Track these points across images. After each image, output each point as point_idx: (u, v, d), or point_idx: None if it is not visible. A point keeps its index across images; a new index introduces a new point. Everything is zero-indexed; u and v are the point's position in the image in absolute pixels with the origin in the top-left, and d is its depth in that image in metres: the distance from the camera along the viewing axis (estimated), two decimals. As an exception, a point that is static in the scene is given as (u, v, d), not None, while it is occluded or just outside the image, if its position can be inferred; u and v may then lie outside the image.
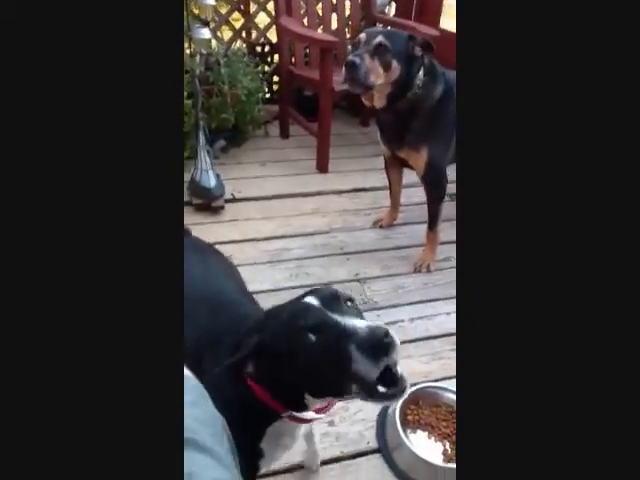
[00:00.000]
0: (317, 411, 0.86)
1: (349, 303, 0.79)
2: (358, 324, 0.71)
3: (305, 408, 0.83)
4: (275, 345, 0.76)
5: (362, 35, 1.76)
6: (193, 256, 1.17)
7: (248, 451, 0.89)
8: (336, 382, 0.74)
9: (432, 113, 1.83)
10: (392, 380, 0.71)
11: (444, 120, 1.82)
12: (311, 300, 0.77)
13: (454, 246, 2.16)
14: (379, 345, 0.68)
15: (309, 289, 0.83)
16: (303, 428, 0.98)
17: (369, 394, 0.72)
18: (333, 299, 0.77)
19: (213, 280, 1.13)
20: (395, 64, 1.72)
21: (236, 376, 0.81)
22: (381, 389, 0.71)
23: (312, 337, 0.72)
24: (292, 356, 0.75)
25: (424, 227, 2.11)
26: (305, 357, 0.73)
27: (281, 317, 0.79)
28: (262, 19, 3.13)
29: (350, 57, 1.70)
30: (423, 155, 1.89)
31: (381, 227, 2.33)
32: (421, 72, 1.78)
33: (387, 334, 0.69)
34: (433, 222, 2.05)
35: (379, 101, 1.82)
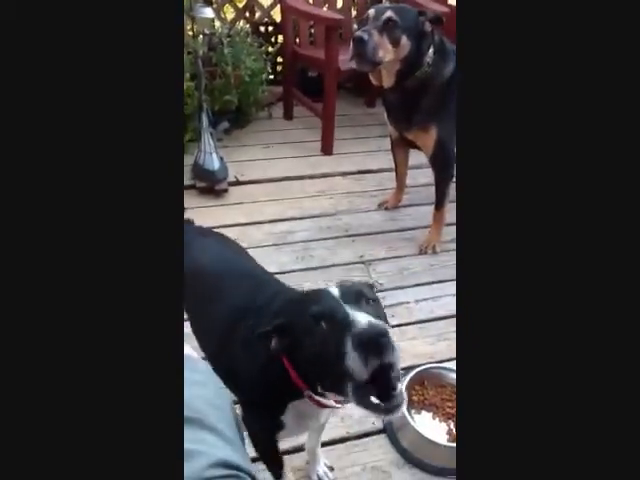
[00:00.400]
0: (336, 401, 0.86)
1: (371, 302, 0.78)
2: (360, 317, 0.67)
3: (323, 394, 0.84)
4: (290, 327, 0.79)
5: (371, 11, 1.72)
6: (215, 239, 1.26)
7: (269, 420, 0.93)
8: (333, 377, 0.71)
9: (442, 92, 1.79)
10: (388, 394, 0.67)
11: (454, 99, 1.78)
12: (331, 290, 0.78)
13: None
14: (372, 343, 0.64)
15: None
16: (324, 416, 1.00)
17: (359, 399, 0.68)
18: (355, 294, 0.76)
19: (244, 260, 1.21)
20: (405, 40, 1.68)
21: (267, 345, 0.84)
22: (373, 399, 0.67)
23: (320, 324, 0.72)
24: (300, 340, 0.75)
25: (430, 209, 2.09)
26: (309, 343, 0.74)
27: (301, 302, 0.82)
28: (266, -2, 3.09)
29: (358, 33, 1.66)
30: (432, 135, 1.86)
31: (386, 209, 2.32)
32: (431, 50, 1.74)
33: (384, 334, 0.64)
34: (440, 202, 2.03)
35: (387, 79, 1.79)
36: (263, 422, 0.96)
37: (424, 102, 1.81)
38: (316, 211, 2.29)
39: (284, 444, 1.23)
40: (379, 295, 1.85)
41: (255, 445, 1.03)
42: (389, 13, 1.66)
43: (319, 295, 0.78)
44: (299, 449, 1.29)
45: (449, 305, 1.79)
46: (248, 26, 3.01)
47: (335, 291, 0.77)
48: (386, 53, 1.67)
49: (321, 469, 1.27)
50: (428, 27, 1.70)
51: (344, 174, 2.57)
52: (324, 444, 1.31)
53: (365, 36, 1.63)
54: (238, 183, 2.44)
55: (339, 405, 0.88)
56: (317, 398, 0.86)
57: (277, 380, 0.86)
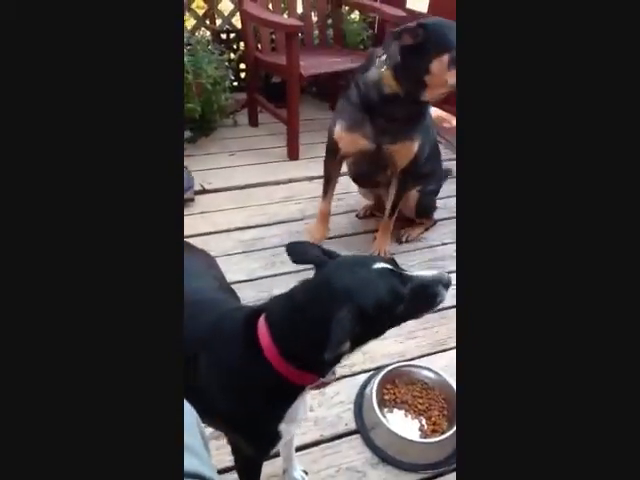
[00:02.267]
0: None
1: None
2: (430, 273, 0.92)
3: (334, 366, 0.87)
4: (378, 301, 0.83)
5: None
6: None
7: (269, 436, 0.93)
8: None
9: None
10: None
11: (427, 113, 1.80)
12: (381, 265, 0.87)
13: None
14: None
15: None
16: (308, 399, 1.00)
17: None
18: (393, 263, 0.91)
19: (191, 280, 1.11)
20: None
21: (261, 361, 0.83)
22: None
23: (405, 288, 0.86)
24: (392, 305, 0.86)
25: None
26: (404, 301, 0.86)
27: (366, 281, 0.85)
28: (226, 5, 3.08)
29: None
30: (414, 148, 1.81)
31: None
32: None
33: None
34: (393, 211, 2.04)
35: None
36: (262, 443, 0.95)
37: (407, 114, 1.73)
38: (284, 217, 2.30)
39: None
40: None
41: (247, 473, 1.06)
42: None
43: (381, 270, 0.86)
44: (271, 456, 1.29)
45: (417, 304, 1.83)
46: (208, 34, 3.00)
47: (383, 265, 0.87)
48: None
49: (298, 474, 1.28)
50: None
51: (311, 179, 2.58)
52: (299, 449, 1.32)
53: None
54: (205, 192, 2.43)
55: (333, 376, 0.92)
56: (323, 380, 0.87)
57: (274, 391, 0.86)
